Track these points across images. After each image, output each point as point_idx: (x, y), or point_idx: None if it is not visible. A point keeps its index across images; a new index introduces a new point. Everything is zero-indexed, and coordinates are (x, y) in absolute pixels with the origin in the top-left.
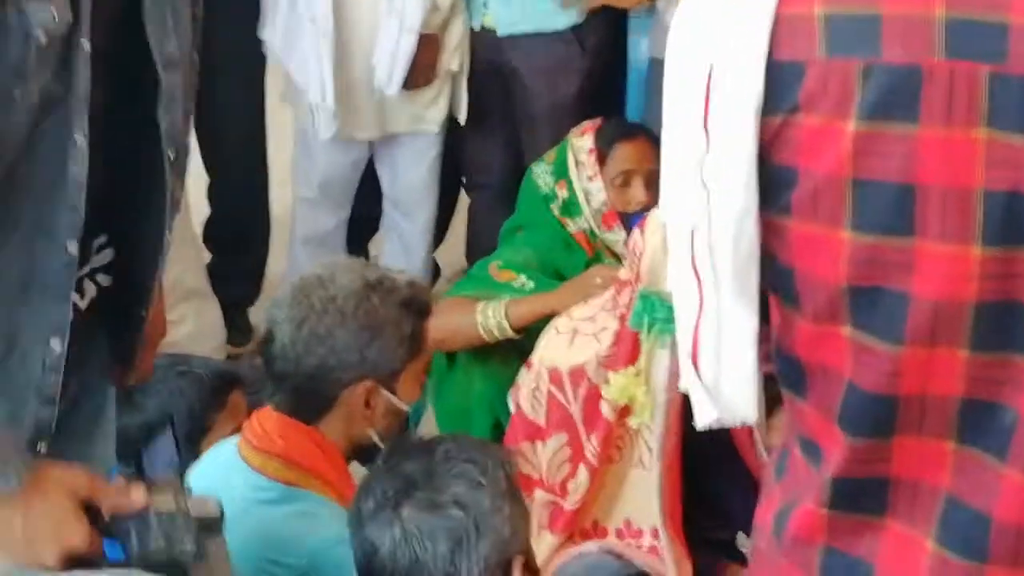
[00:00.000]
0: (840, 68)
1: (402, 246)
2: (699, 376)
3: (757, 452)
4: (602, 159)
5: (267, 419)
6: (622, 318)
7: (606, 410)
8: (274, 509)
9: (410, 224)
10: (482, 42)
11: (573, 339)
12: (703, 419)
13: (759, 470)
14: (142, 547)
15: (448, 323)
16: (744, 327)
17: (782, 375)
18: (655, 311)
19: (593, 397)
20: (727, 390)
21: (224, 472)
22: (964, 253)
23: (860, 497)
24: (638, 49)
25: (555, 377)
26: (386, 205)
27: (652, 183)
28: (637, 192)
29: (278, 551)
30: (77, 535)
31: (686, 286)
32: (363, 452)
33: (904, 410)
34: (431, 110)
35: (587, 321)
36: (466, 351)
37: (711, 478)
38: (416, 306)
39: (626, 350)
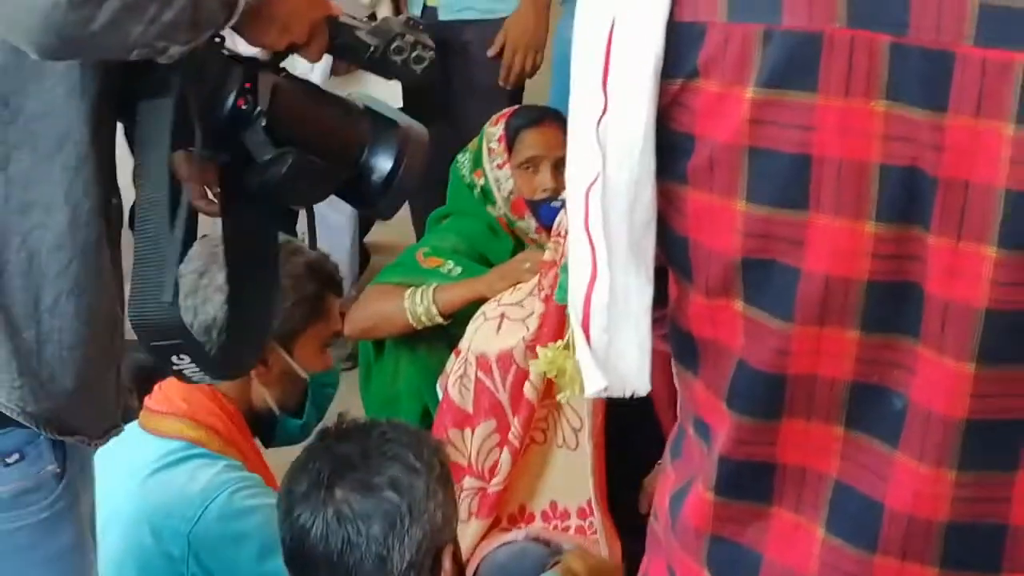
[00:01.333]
0: (740, 32)
1: (327, 232)
2: (588, 343)
3: None
4: (510, 146)
5: (169, 385)
6: (547, 299)
7: (528, 390)
8: (175, 469)
9: (333, 211)
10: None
11: (501, 324)
12: (591, 387)
13: None
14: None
15: (376, 310)
16: (638, 296)
17: (675, 350)
18: None
19: (521, 383)
20: (618, 359)
21: (127, 451)
22: (857, 229)
23: (746, 482)
24: (566, 33)
25: (483, 363)
26: None
27: (561, 169)
28: (544, 178)
29: (166, 515)
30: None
31: (579, 250)
32: (262, 425)
33: (792, 391)
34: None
35: (515, 307)
36: (393, 339)
37: (638, 465)
38: (322, 272)
39: (552, 326)
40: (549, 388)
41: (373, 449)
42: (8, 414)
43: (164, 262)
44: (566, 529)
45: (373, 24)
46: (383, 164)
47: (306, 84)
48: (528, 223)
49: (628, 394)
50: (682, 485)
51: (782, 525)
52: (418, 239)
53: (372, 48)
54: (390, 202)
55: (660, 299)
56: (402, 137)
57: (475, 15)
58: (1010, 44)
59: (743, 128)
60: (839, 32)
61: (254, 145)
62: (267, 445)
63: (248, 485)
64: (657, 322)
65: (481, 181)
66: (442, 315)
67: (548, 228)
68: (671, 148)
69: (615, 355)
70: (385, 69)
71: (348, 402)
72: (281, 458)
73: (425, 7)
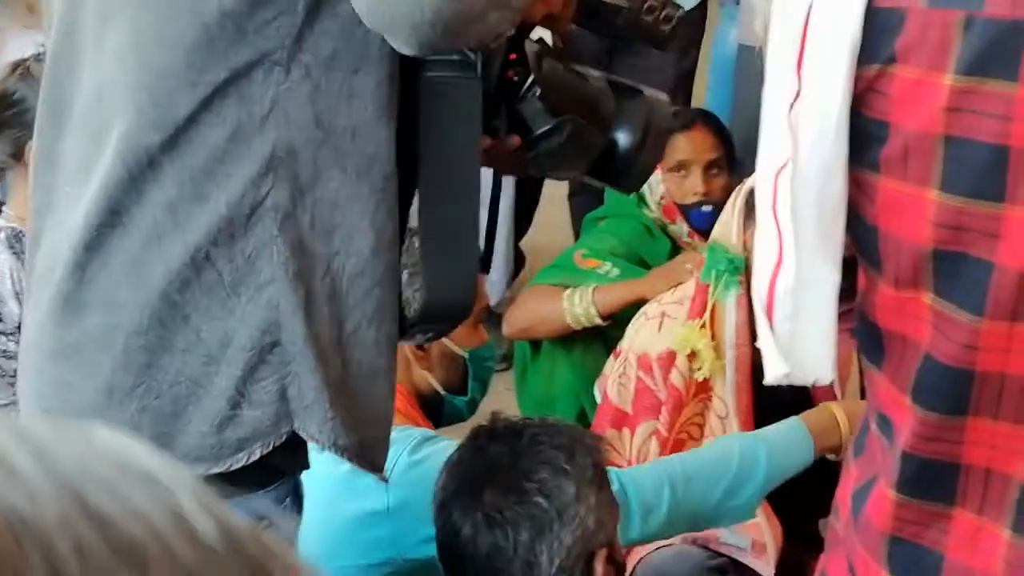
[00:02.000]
0: (940, 18)
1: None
2: (772, 329)
3: None
4: None
5: None
6: (696, 281)
7: (674, 376)
8: None
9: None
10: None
11: (662, 324)
12: (772, 373)
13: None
14: None
15: (534, 311)
16: (824, 282)
17: (861, 342)
18: (719, 262)
19: None
20: (802, 346)
21: None
22: None
23: (929, 481)
24: (726, 38)
25: (644, 363)
26: None
27: (712, 173)
28: (694, 182)
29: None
30: None
31: (766, 235)
32: (429, 407)
33: (980, 388)
34: None
35: (676, 305)
36: (550, 339)
37: None
38: None
39: (697, 305)
40: (704, 383)
41: (523, 451)
42: (321, 446)
43: (476, 245)
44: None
45: None
46: (630, 135)
47: (557, 50)
48: (680, 227)
49: (810, 382)
50: (865, 482)
51: (964, 526)
52: (574, 242)
53: (625, 11)
54: (637, 175)
55: (849, 293)
56: (648, 106)
57: None
58: None
59: (940, 116)
60: None
61: (531, 116)
62: (437, 425)
63: (431, 436)
64: (843, 316)
65: None
66: (601, 316)
67: (699, 232)
68: (864, 135)
69: (798, 342)
70: (636, 31)
71: (504, 402)
72: None
73: None
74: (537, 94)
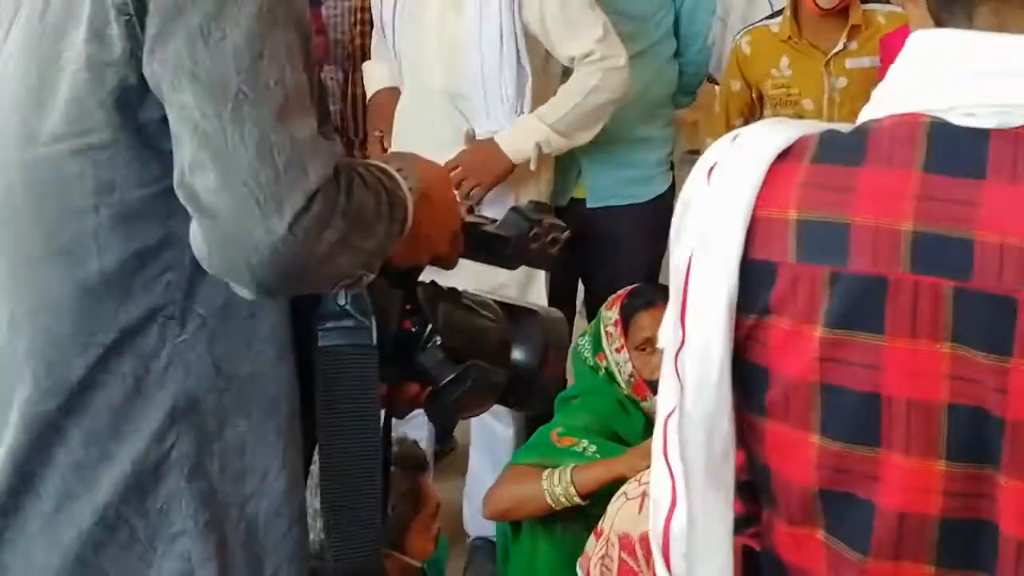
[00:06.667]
0: (808, 273)
1: (491, 456)
2: (669, 570)
3: None
4: (626, 329)
5: None
6: None
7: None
8: None
9: (504, 428)
10: (570, 215)
11: (643, 504)
12: None
13: None
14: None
15: (514, 492)
16: (717, 523)
17: (766, 571)
18: None
19: None
20: None
21: None
22: (929, 467)
23: None
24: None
25: (626, 544)
26: None
27: None
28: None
29: None
30: (457, 217)
31: (659, 479)
32: None
33: None
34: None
35: None
36: (530, 518)
37: None
38: (412, 462)
39: None
40: None
41: None
42: None
43: (377, 503)
44: None
45: (495, 219)
46: (530, 356)
47: (449, 291)
48: (652, 403)
49: None
50: None
51: None
52: None
53: (513, 240)
54: (541, 393)
55: (756, 519)
56: (544, 325)
57: (621, 200)
58: None
59: (814, 365)
60: (903, 277)
61: (433, 366)
62: None
63: None
64: (755, 536)
65: (604, 363)
66: (580, 496)
67: None
68: (750, 380)
69: None
70: (522, 259)
71: None
72: None
73: (572, 198)
74: (438, 343)
